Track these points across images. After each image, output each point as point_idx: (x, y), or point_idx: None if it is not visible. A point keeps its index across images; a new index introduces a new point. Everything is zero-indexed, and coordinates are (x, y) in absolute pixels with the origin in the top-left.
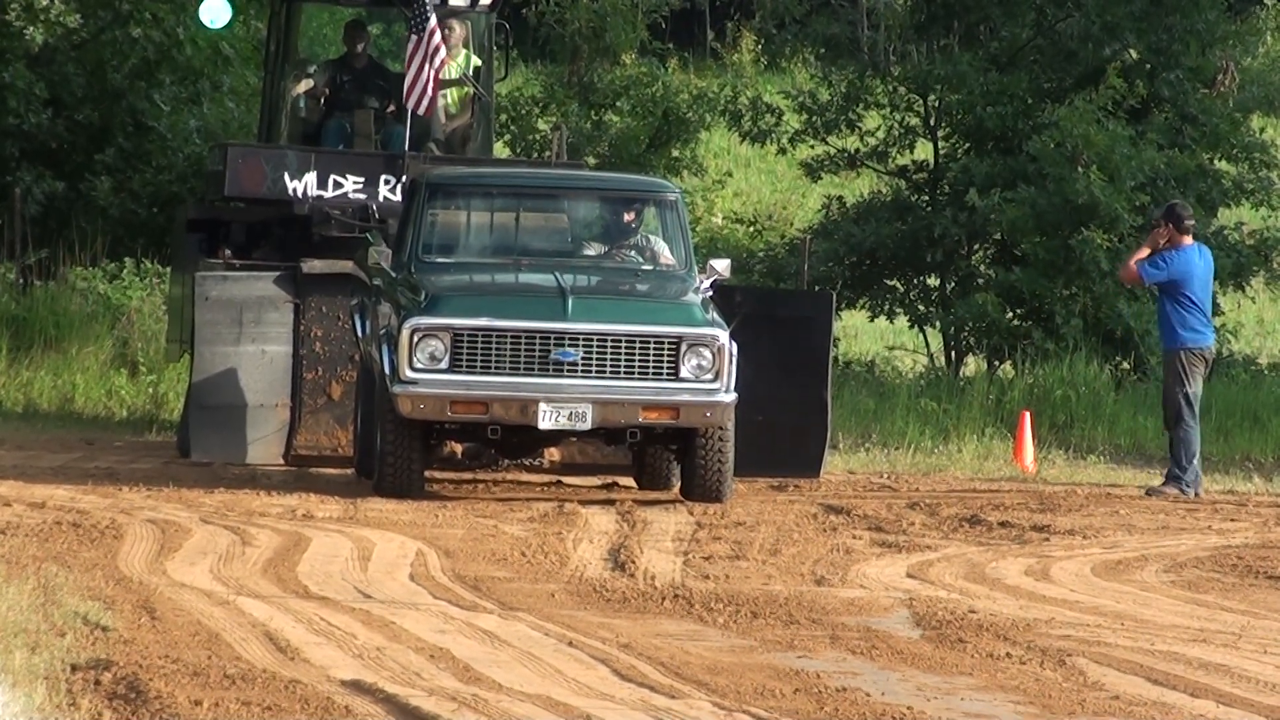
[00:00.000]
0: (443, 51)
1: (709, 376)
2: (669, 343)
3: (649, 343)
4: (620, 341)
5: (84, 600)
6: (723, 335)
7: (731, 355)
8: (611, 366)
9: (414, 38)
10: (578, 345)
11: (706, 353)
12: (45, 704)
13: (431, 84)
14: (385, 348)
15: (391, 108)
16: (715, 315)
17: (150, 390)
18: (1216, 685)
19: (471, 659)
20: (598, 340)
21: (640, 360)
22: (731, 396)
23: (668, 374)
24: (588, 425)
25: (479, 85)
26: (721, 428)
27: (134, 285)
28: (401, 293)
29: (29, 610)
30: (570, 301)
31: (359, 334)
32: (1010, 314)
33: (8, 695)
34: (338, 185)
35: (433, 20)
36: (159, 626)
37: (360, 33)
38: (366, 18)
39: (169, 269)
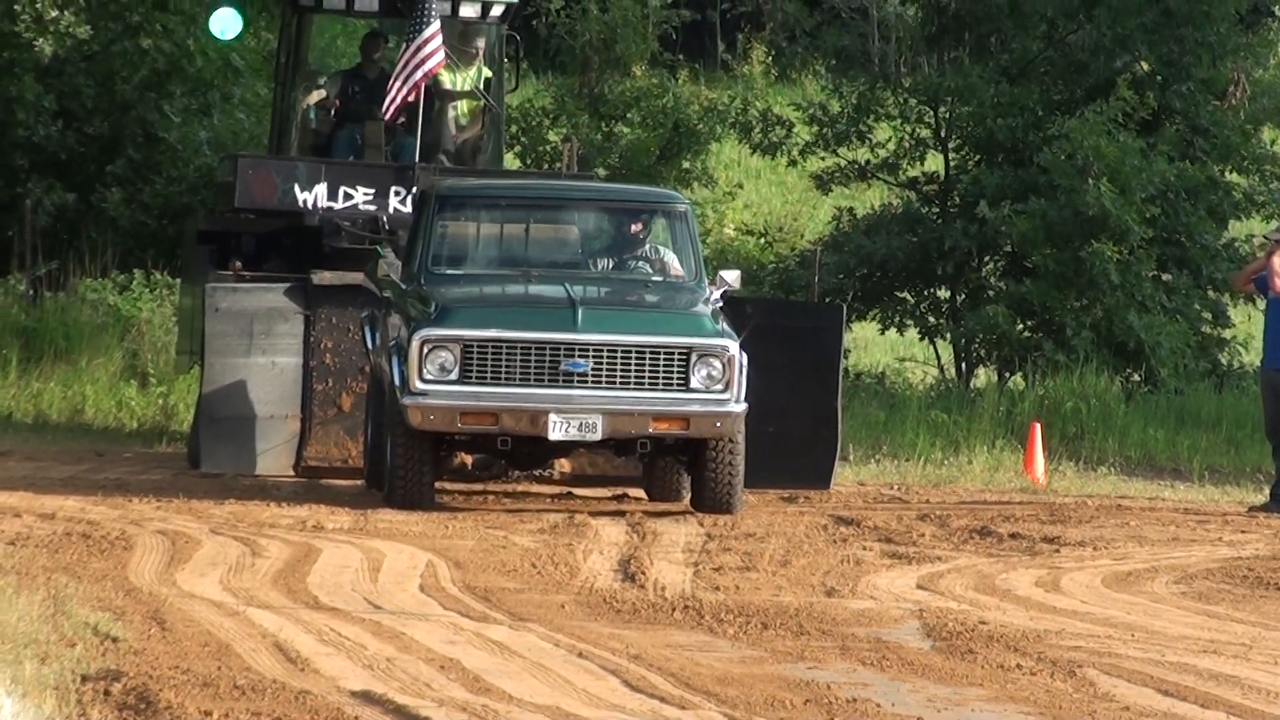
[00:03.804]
0: (430, 62)
1: (719, 387)
2: (679, 353)
3: (659, 353)
4: (630, 352)
5: (94, 611)
6: (733, 346)
7: (742, 366)
8: (621, 377)
9: (405, 45)
10: (587, 356)
11: (716, 363)
12: (55, 714)
13: (403, 93)
14: (395, 359)
15: (402, 119)
16: (725, 326)
17: (160, 401)
18: (1227, 697)
19: (481, 670)
20: (608, 351)
21: (650, 371)
22: (742, 407)
23: (678, 385)
24: (598, 436)
25: (489, 97)
26: (732, 439)
27: (144, 297)
28: (411, 304)
29: (39, 621)
30: (580, 312)
31: (369, 346)
32: (1021, 326)
33: (18, 706)
34: (348, 197)
35: (427, 31)
36: (169, 637)
37: (378, 43)
38: (382, 28)
39: (179, 280)
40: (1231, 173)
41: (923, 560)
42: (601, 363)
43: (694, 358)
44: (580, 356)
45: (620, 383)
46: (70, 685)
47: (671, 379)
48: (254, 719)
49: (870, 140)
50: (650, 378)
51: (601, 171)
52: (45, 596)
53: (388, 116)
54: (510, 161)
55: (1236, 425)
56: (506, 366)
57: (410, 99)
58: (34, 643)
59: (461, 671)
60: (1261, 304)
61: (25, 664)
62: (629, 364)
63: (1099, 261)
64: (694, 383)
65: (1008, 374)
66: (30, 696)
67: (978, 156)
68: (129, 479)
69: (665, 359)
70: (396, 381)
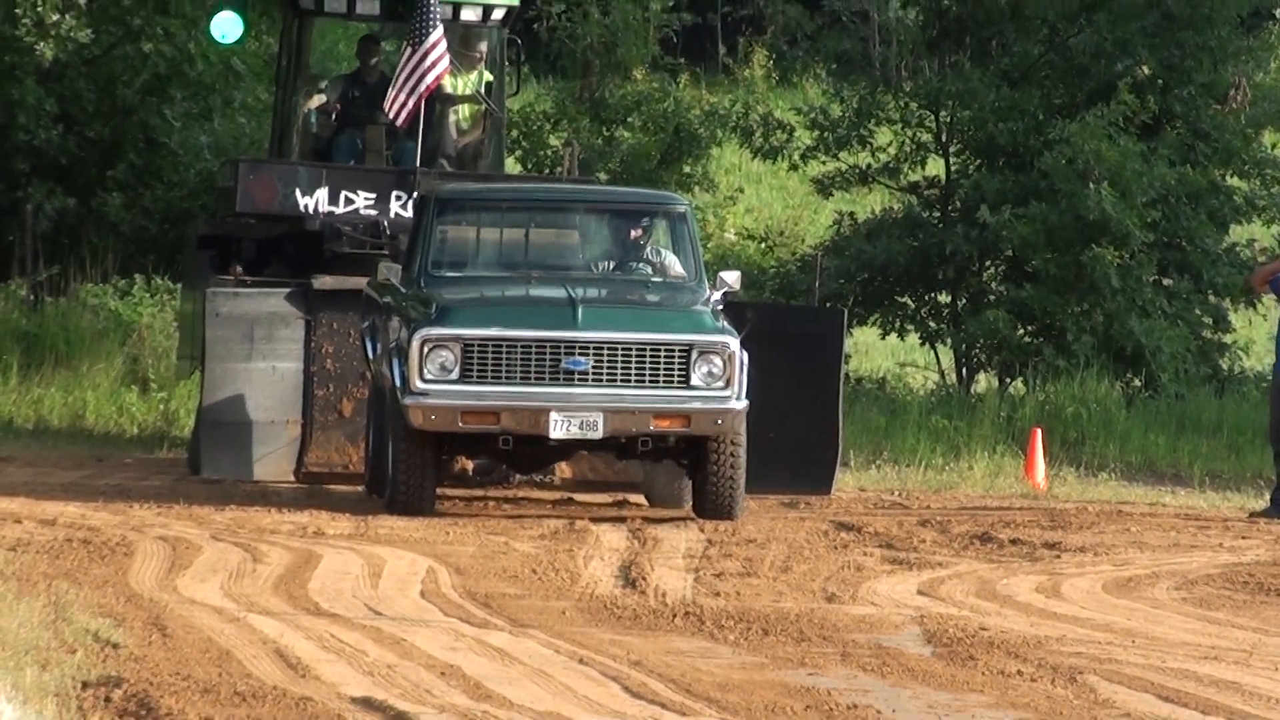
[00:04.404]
0: (439, 68)
1: (720, 384)
2: (679, 350)
3: (659, 351)
4: (631, 350)
5: (95, 617)
6: (733, 343)
7: (742, 363)
8: (622, 375)
9: (409, 49)
10: (588, 354)
11: (717, 360)
12: None
13: (414, 100)
14: (396, 360)
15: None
16: (725, 324)
17: (161, 407)
18: (1228, 703)
19: (482, 676)
20: (608, 349)
21: (651, 368)
22: (742, 404)
23: (678, 382)
24: (599, 434)
25: (490, 101)
26: (733, 441)
27: (145, 302)
28: (411, 306)
29: (40, 627)
30: (580, 310)
31: (369, 355)
32: (1021, 331)
33: (19, 712)
34: (349, 201)
35: (434, 35)
36: (169, 644)
37: (374, 47)
38: (380, 32)
39: (180, 285)
40: (1232, 177)
41: (923, 566)
42: (602, 361)
43: (694, 355)
44: (581, 354)
45: (621, 381)
46: (71, 692)
47: (672, 376)
48: None
49: (871, 144)
50: (651, 375)
51: (603, 176)
52: (46, 603)
53: (398, 122)
54: (511, 166)
55: (1237, 430)
56: (507, 365)
57: (418, 105)
58: (34, 649)
59: (462, 678)
60: (1264, 309)
61: (26, 671)
62: (629, 362)
63: (1100, 266)
64: (695, 380)
65: (1008, 379)
66: (31, 703)
67: (978, 161)
68: (130, 485)
69: (666, 356)
70: (397, 382)
